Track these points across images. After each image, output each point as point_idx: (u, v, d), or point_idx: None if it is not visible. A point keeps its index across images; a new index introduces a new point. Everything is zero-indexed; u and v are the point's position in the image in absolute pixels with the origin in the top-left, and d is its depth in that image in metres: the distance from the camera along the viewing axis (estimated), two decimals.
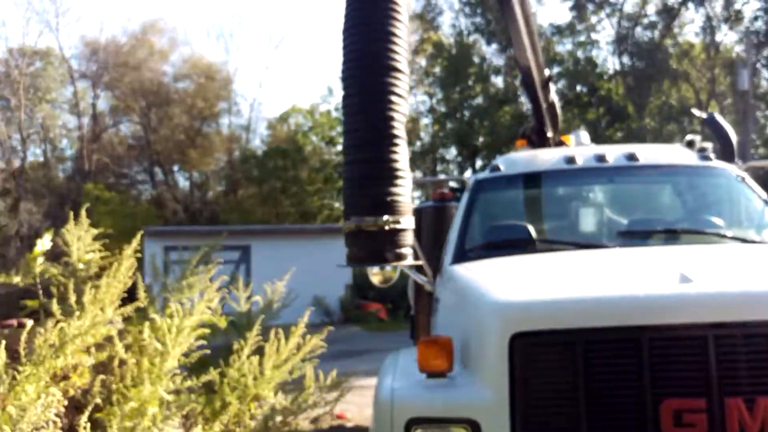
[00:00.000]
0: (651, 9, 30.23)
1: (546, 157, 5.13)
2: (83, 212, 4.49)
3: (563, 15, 47.35)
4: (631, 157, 4.70)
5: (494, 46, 32.59)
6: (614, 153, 4.79)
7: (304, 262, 18.55)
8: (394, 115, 2.84)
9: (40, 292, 4.02)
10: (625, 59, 30.60)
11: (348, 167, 2.96)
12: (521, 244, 4.19)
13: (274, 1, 61.05)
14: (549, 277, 3.37)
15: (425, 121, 36.36)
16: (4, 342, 2.53)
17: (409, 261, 2.92)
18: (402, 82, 2.88)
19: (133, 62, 35.11)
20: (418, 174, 35.35)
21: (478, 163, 32.85)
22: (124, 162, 36.14)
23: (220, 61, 37.58)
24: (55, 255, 5.98)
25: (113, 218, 23.36)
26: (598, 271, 3.37)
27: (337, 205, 37.40)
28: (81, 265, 4.00)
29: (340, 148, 37.70)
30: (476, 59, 32.37)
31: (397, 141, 2.85)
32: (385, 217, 2.74)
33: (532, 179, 4.91)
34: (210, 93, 35.22)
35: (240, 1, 38.85)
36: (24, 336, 2.63)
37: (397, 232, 2.82)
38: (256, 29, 50.34)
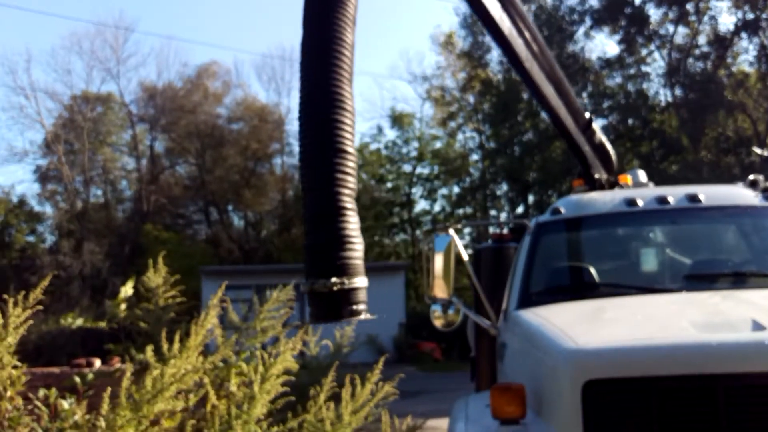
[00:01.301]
0: (702, 39, 29.91)
1: (606, 199, 5.15)
2: (160, 259, 4.68)
3: (612, 48, 47.28)
4: (693, 198, 4.68)
5: None
6: (676, 194, 4.78)
7: None
8: (341, 190, 3.18)
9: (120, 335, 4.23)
10: (678, 91, 30.21)
11: (305, 237, 3.26)
12: (586, 289, 4.22)
13: None
14: (618, 323, 3.40)
15: (475, 157, 36.43)
16: (109, 389, 2.71)
17: (364, 316, 3.15)
18: (349, 161, 3.24)
19: (189, 105, 36.32)
20: (469, 210, 35.31)
21: (530, 198, 32.68)
22: (181, 202, 37.12)
23: (272, 102, 38.44)
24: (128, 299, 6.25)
25: (171, 258, 23.93)
26: (667, 316, 3.38)
27: (387, 242, 37.54)
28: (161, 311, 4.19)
29: (389, 185, 37.99)
30: (525, 95, 32.43)
31: (345, 213, 3.19)
32: (333, 279, 3.00)
33: (594, 222, 4.93)
34: (263, 134, 36.09)
35: (291, 43, 39.87)
36: (125, 381, 2.82)
37: (349, 292, 3.10)
38: None
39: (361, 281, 3.14)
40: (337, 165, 3.17)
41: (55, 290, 28.42)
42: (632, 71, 31.33)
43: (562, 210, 4.93)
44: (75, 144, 36.70)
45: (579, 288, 4.24)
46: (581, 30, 32.26)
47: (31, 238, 37.00)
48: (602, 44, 63.17)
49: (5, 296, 3.16)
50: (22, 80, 37.46)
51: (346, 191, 3.21)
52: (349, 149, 3.26)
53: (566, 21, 32.10)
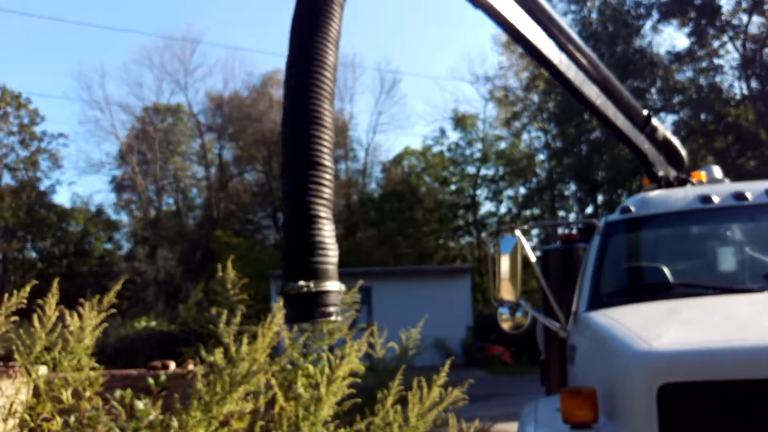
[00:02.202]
0: None
1: (679, 197, 4.97)
2: (229, 264, 4.78)
3: (681, 41, 45.60)
4: None
5: None
6: (754, 190, 4.57)
7: (424, 302, 18.62)
8: (316, 200, 3.40)
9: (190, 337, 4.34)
10: (754, 83, 28.98)
11: (282, 242, 3.50)
12: (659, 289, 4.08)
13: (384, 50, 62.79)
14: (695, 324, 3.27)
15: (541, 157, 35.87)
16: (182, 390, 2.79)
17: (335, 318, 3.30)
18: (325, 173, 3.46)
19: (255, 114, 37.11)
20: (536, 211, 34.78)
21: (599, 198, 31.93)
22: (249, 209, 37.97)
23: (335, 108, 38.82)
24: (198, 303, 6.41)
25: (241, 263, 24.43)
26: (748, 317, 3.23)
27: (452, 244, 37.35)
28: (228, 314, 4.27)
29: (453, 188, 37.80)
30: None
31: (318, 221, 3.40)
32: (301, 283, 3.21)
33: (666, 220, 4.76)
34: None
35: (353, 50, 40.23)
36: (198, 382, 2.89)
37: (319, 295, 3.29)
38: (369, 76, 51.87)
39: (332, 285, 3.32)
40: (312, 177, 3.40)
41: (132, 295, 29.49)
42: (704, 64, 30.25)
43: (632, 208, 4.79)
44: (147, 154, 38.04)
45: (652, 289, 4.11)
46: (648, 24, 31.40)
47: (108, 246, 38.54)
48: (671, 38, 61.23)
49: (82, 300, 3.28)
50: (97, 95, 39.25)
51: (321, 201, 3.42)
52: (326, 162, 3.47)
53: (632, 15, 31.26)
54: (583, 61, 5.52)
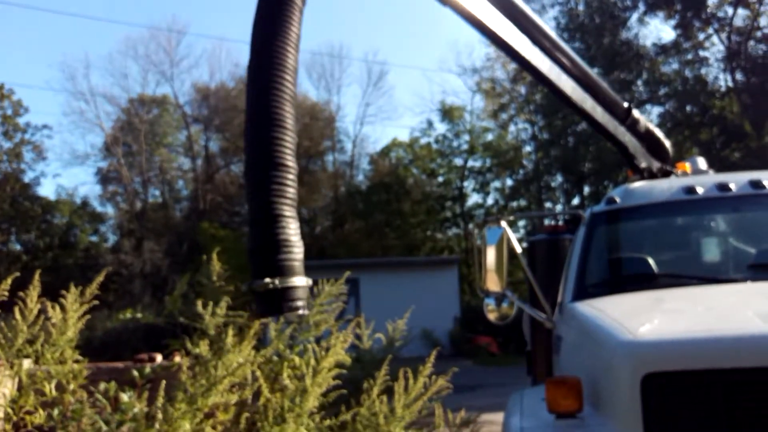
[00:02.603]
0: (764, 21, 28.78)
1: (664, 188, 5.00)
2: (214, 255, 4.76)
3: (667, 34, 45.72)
4: (757, 184, 4.50)
5: (596, 69, 31.98)
6: (738, 181, 4.60)
7: (411, 294, 18.66)
8: (279, 199, 3.56)
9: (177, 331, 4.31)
10: (739, 75, 29.15)
11: (248, 241, 3.63)
12: (644, 280, 4.10)
13: (371, 41, 62.62)
14: (680, 314, 3.29)
15: (528, 149, 35.96)
16: (164, 381, 2.78)
17: (302, 312, 3.47)
18: (288, 173, 3.65)
19: (242, 105, 36.61)
20: (523, 203, 34.90)
21: (586, 190, 32.08)
22: (236, 200, 37.78)
23: (323, 100, 38.74)
24: (184, 295, 6.37)
25: (227, 255, 24.34)
26: (731, 307, 3.26)
27: (440, 236, 37.42)
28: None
29: (441, 179, 37.83)
30: None
31: (283, 219, 3.56)
32: (267, 280, 3.36)
33: (651, 211, 4.78)
34: (314, 131, 36.42)
35: (340, 41, 39.98)
36: (183, 374, 2.88)
37: (286, 291, 3.44)
38: (356, 68, 51.68)
39: (299, 281, 3.47)
40: (275, 177, 3.57)
41: (118, 288, 29.35)
42: (689, 56, 30.39)
43: (618, 199, 4.81)
44: (133, 146, 37.77)
45: (637, 279, 4.13)
46: (635, 16, 31.47)
47: (94, 238, 38.30)
48: (657, 30, 61.42)
49: (64, 292, 3.26)
50: (82, 85, 38.86)
51: (285, 200, 3.58)
52: (289, 163, 3.65)
53: (618, 8, 31.32)
54: (559, 55, 5.57)
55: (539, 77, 5.53)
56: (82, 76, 56.88)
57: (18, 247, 36.71)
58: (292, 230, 3.57)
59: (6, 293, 2.97)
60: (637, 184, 5.36)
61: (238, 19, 56.95)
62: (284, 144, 3.68)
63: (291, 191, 3.68)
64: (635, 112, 6.57)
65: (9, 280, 3.02)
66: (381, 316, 5.92)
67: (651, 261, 4.26)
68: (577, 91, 5.80)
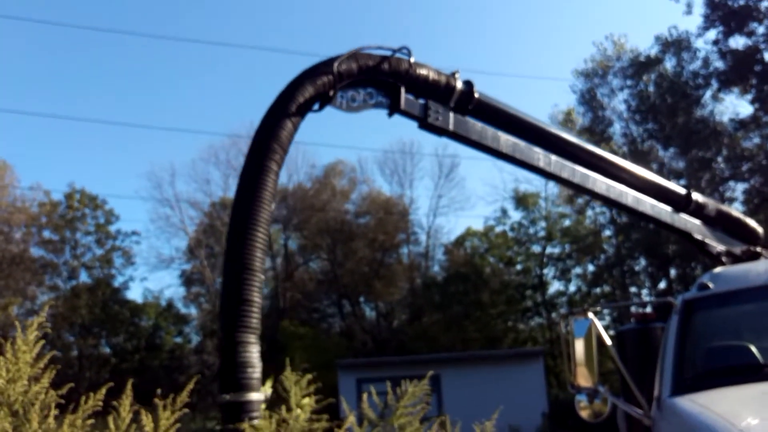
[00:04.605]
0: None
1: (761, 270, 4.75)
2: (297, 357, 4.77)
3: (744, 108, 44.59)
4: None
5: (672, 149, 31.42)
6: None
7: (495, 389, 18.08)
8: (242, 329, 4.46)
9: None
10: None
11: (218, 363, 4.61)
12: (748, 371, 3.84)
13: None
14: None
15: (607, 233, 35.13)
16: None
17: (256, 422, 4.11)
18: (253, 308, 4.54)
19: (318, 204, 37.90)
20: (606, 289, 33.80)
21: (672, 273, 30.84)
22: (315, 297, 38.19)
23: (396, 194, 39.36)
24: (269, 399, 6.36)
25: (308, 353, 24.43)
26: None
27: (522, 326, 36.43)
28: (298, 410, 4.22)
29: (519, 267, 37.21)
30: (654, 165, 31.25)
31: (245, 345, 4.42)
32: (226, 396, 4.26)
33: (749, 296, 4.53)
34: (389, 225, 36.85)
35: (410, 138, 40.94)
36: None
37: (244, 404, 4.31)
38: (427, 162, 52.52)
39: (255, 396, 4.34)
40: (242, 311, 4.47)
41: (201, 389, 29.65)
42: None
43: (711, 285, 4.59)
44: (215, 248, 39.04)
45: (740, 370, 3.86)
46: (708, 93, 31.05)
47: (178, 339, 39.19)
48: (733, 105, 60.22)
49: (155, 400, 3.31)
50: (167, 192, 40.62)
51: (249, 330, 4.46)
52: (255, 299, 4.54)
53: (690, 86, 31.01)
54: (588, 158, 5.95)
55: (570, 186, 5.94)
56: (168, 184, 59.85)
57: (107, 350, 37.94)
58: (254, 354, 4.43)
59: (101, 402, 3.04)
60: (730, 268, 5.13)
61: (313, 122, 59.35)
62: (252, 284, 4.55)
63: (255, 322, 4.53)
64: (698, 197, 6.40)
65: (104, 390, 3.10)
66: (465, 414, 5.72)
67: (754, 350, 3.99)
68: (614, 190, 5.93)
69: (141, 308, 38.67)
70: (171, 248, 59.15)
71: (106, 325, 36.80)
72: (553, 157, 6.03)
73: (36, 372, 3.03)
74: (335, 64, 5.15)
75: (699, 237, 6.37)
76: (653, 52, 32.13)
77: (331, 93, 5.27)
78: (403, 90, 5.46)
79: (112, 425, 3.04)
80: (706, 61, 30.53)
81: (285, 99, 5.10)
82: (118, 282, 38.69)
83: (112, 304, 37.31)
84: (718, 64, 29.58)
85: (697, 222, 6.42)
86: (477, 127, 5.90)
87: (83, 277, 37.73)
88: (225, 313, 4.58)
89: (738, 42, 28.58)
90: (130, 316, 37.94)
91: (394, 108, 5.52)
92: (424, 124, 5.68)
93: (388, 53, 5.37)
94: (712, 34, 29.31)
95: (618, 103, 33.93)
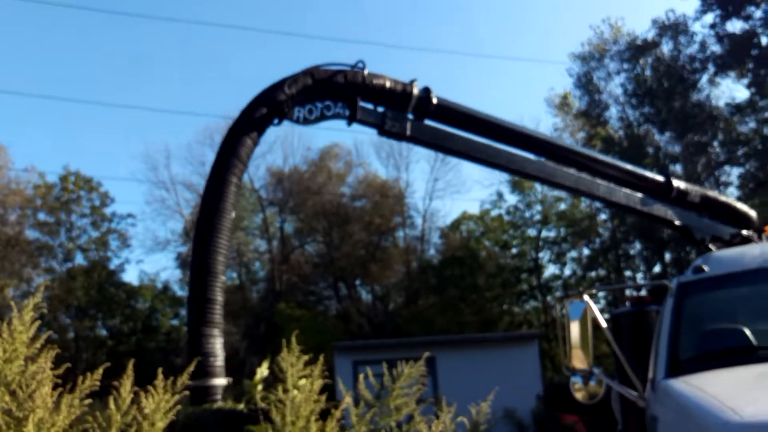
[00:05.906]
0: None
1: (756, 254, 4.77)
2: (293, 339, 4.78)
3: (741, 93, 44.43)
4: None
5: (668, 133, 31.41)
6: None
7: (491, 371, 18.16)
8: (207, 324, 5.42)
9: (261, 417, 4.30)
10: None
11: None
12: (742, 353, 3.87)
13: None
14: None
15: (603, 216, 35.19)
16: None
17: (219, 404, 5.10)
18: (215, 306, 5.59)
19: (314, 187, 37.84)
20: (601, 273, 33.92)
21: (667, 256, 30.96)
22: (311, 280, 38.25)
23: (392, 177, 39.31)
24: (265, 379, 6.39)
25: (304, 335, 24.42)
26: None
27: (517, 310, 36.58)
28: (295, 391, 4.24)
29: (515, 251, 37.30)
30: (650, 149, 31.27)
31: (209, 339, 5.44)
32: (192, 381, 4.36)
33: (743, 279, 4.56)
34: (385, 208, 36.83)
35: None
36: None
37: (209, 388, 5.29)
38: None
39: (217, 381, 5.31)
40: (206, 309, 5.38)
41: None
42: (767, 114, 29.50)
43: (706, 268, 4.61)
44: None
45: (734, 352, 3.89)
46: (705, 77, 31.00)
47: (174, 322, 39.24)
48: (729, 90, 60.10)
49: (155, 382, 3.33)
50: (163, 175, 40.40)
51: (212, 324, 5.35)
52: (217, 298, 5.54)
53: (687, 70, 30.95)
54: (579, 159, 6.08)
55: (539, 181, 6.12)
56: (163, 166, 59.61)
57: (104, 332, 38.00)
58: (218, 344, 5.42)
59: (98, 383, 3.05)
60: (725, 252, 5.15)
61: None
62: (214, 285, 5.40)
63: (218, 317, 5.42)
64: (680, 184, 6.43)
65: (101, 370, 3.12)
66: (460, 396, 5.74)
67: (748, 332, 4.02)
68: (584, 181, 6.04)
69: (137, 290, 38.67)
70: (167, 231, 59.02)
71: (102, 308, 36.82)
72: (518, 154, 6.23)
73: (33, 352, 3.04)
74: (285, 85, 5.90)
75: (680, 224, 6.43)
76: (650, 35, 32.04)
77: (286, 110, 6.00)
78: (359, 101, 6.19)
79: (112, 405, 3.05)
80: (703, 45, 30.48)
81: (244, 118, 5.89)
82: (113, 264, 38.65)
83: (108, 286, 37.29)
84: (715, 48, 29.56)
85: (680, 209, 6.45)
86: (437, 131, 6.35)
87: (79, 260, 37.68)
88: (191, 310, 5.40)
89: (735, 26, 28.55)
90: (126, 298, 37.94)
91: (352, 118, 6.31)
92: (383, 131, 6.43)
93: (347, 68, 6.17)
94: (709, 17, 29.27)
95: (614, 86, 33.88)
